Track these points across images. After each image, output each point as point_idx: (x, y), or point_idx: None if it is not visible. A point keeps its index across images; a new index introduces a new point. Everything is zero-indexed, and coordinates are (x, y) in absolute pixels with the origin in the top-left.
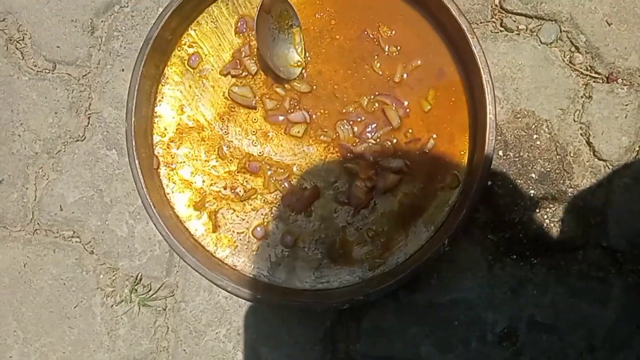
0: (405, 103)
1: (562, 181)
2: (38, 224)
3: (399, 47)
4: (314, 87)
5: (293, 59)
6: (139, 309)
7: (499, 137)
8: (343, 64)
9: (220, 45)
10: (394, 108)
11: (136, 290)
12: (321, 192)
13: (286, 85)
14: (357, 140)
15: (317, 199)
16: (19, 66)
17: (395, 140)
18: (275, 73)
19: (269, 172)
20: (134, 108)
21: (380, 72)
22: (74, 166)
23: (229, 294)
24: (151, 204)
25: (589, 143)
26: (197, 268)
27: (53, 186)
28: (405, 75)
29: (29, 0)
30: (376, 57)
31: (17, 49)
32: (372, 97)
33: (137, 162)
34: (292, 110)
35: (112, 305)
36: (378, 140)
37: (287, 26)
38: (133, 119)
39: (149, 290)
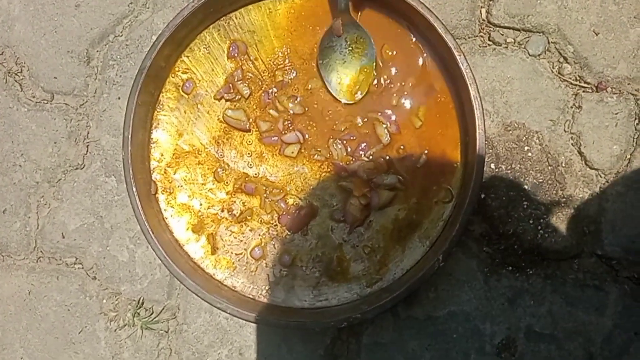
0: (394, 118)
1: (554, 191)
2: (41, 251)
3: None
4: (307, 108)
5: (355, 86)
6: (142, 332)
7: (491, 150)
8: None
9: (213, 70)
10: (385, 125)
11: (139, 314)
12: (317, 210)
13: (279, 107)
14: (350, 159)
15: (313, 218)
16: (18, 98)
17: (387, 157)
18: (332, 94)
19: (265, 193)
20: (130, 136)
21: (371, 91)
22: (74, 194)
23: (230, 315)
24: (149, 229)
25: (580, 153)
26: (197, 291)
27: (54, 214)
28: (400, 99)
29: (25, 33)
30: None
31: (15, 81)
32: (363, 114)
33: (134, 188)
34: (285, 132)
35: (115, 330)
36: (371, 157)
37: (361, 54)
38: (130, 147)
39: (151, 314)
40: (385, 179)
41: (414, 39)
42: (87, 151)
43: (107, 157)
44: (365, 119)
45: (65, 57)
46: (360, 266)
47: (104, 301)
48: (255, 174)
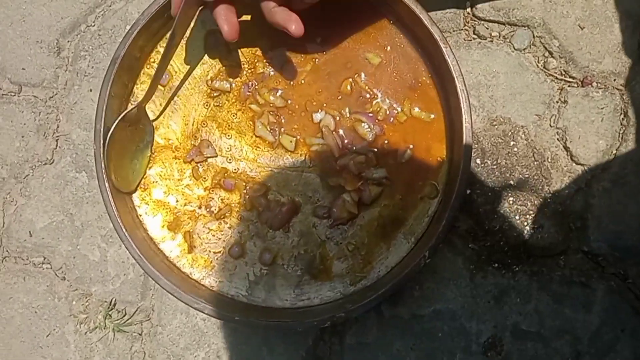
0: (378, 112)
1: (540, 187)
2: (7, 251)
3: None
4: (289, 102)
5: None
6: (114, 335)
7: (476, 145)
8: (317, 78)
9: (190, 61)
10: (368, 127)
11: (110, 315)
12: (299, 207)
13: (260, 100)
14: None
15: (295, 215)
16: None
17: (376, 150)
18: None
19: (245, 189)
20: (102, 129)
21: (354, 85)
22: (43, 190)
23: (207, 316)
24: (122, 227)
25: (566, 148)
26: (173, 291)
27: (21, 212)
28: (385, 93)
29: None
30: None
31: None
32: (346, 112)
33: (107, 184)
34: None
35: (86, 333)
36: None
37: (144, 141)
38: (102, 140)
39: (124, 315)
40: (375, 173)
41: (399, 32)
42: (56, 145)
43: (78, 152)
44: (348, 118)
45: (34, 48)
46: (343, 264)
47: (74, 303)
48: (235, 169)
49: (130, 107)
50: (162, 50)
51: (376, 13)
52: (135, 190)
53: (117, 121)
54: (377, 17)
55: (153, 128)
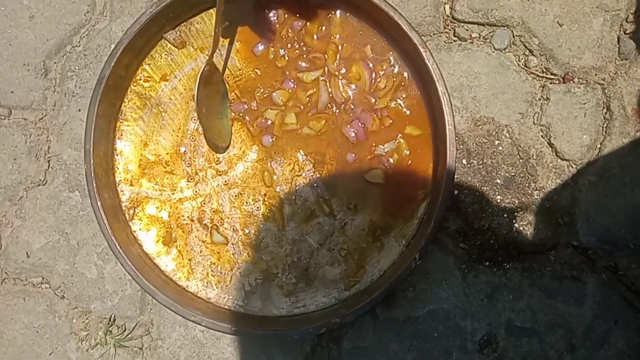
0: (364, 117)
1: (527, 184)
2: (6, 273)
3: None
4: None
5: (226, 129)
6: (115, 350)
7: (461, 146)
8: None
9: (176, 77)
10: (353, 132)
11: (111, 331)
12: (291, 215)
13: (246, 113)
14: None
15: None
16: None
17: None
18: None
19: (236, 201)
20: (91, 149)
21: (341, 91)
22: (38, 211)
23: (205, 328)
24: (117, 244)
25: (550, 144)
26: (169, 305)
27: (18, 233)
28: (369, 98)
29: None
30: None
31: None
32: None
33: (99, 203)
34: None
35: (87, 350)
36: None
37: (219, 95)
38: (92, 160)
39: (124, 331)
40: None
41: (379, 38)
42: (48, 166)
43: (70, 172)
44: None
45: (22, 70)
46: (337, 270)
47: (74, 321)
48: (226, 182)
49: (203, 65)
50: (147, 67)
51: (357, 21)
52: (229, 143)
53: (197, 85)
54: (358, 25)
55: (223, 78)
